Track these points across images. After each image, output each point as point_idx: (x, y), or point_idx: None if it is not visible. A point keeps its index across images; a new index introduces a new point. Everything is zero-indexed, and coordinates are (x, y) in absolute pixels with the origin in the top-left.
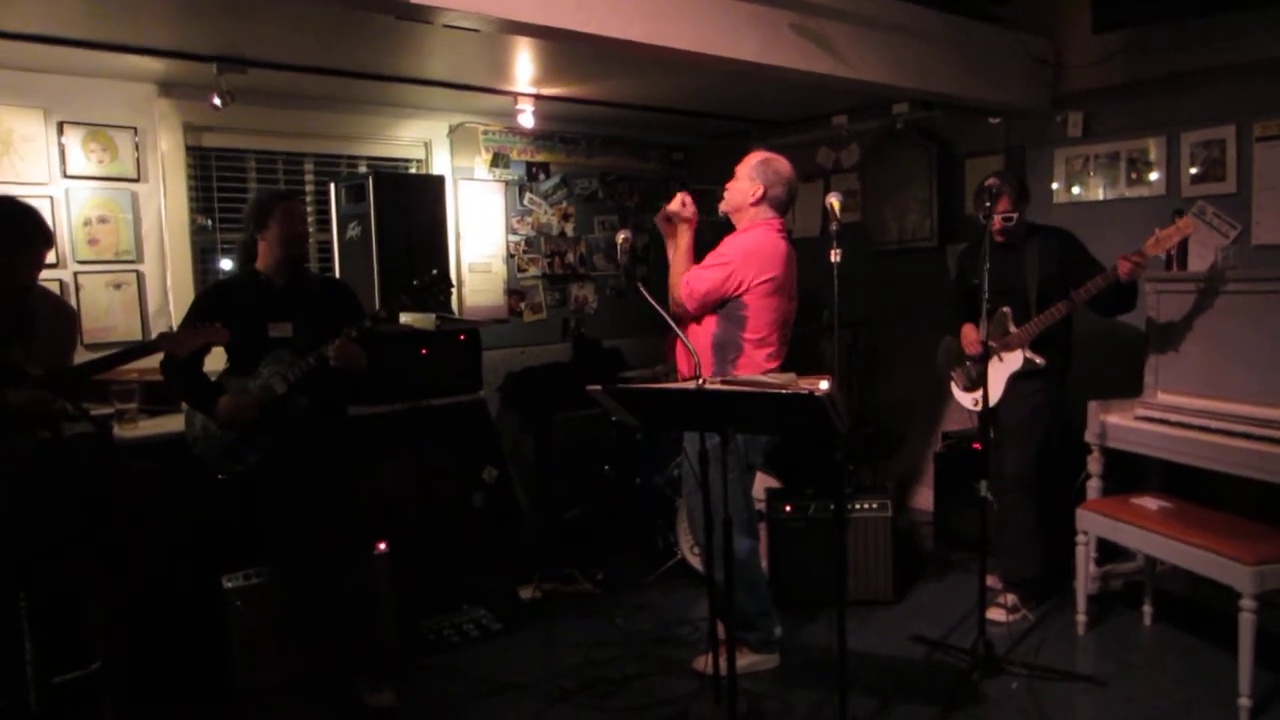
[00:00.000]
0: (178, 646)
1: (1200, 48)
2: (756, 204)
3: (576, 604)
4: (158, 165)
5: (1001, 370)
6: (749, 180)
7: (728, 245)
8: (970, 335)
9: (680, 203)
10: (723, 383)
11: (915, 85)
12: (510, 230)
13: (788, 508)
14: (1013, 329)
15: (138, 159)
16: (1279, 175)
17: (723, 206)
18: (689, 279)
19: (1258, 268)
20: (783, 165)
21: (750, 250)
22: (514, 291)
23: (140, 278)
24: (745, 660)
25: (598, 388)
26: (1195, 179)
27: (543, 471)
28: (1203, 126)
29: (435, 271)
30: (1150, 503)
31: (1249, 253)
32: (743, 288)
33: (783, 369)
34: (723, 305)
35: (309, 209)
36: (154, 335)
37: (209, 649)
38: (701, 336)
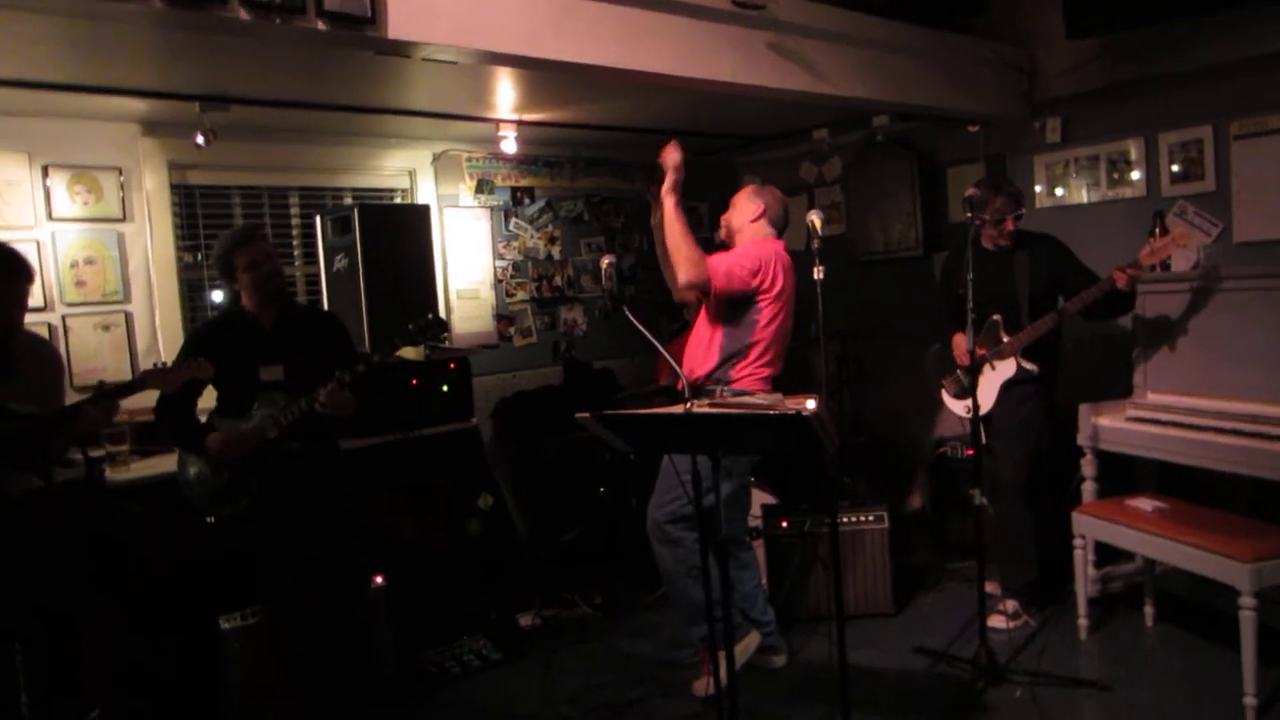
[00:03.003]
0: (176, 691)
1: (1174, 50)
2: (756, 221)
3: (576, 629)
4: (143, 205)
5: (994, 379)
6: (747, 201)
7: (750, 249)
8: (962, 345)
9: (674, 148)
10: (710, 405)
11: (894, 98)
12: (497, 256)
13: (784, 523)
14: (1005, 337)
15: (123, 199)
16: (1257, 173)
17: (722, 234)
18: (730, 273)
19: (1241, 265)
20: (775, 190)
21: (774, 256)
22: (503, 317)
23: (129, 318)
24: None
25: (586, 415)
26: (1175, 179)
27: (538, 496)
28: (1180, 127)
29: (430, 316)
30: (1145, 504)
31: (1231, 250)
32: (765, 285)
33: (773, 384)
34: (739, 304)
35: (295, 243)
36: (142, 372)
37: (208, 692)
38: (707, 342)
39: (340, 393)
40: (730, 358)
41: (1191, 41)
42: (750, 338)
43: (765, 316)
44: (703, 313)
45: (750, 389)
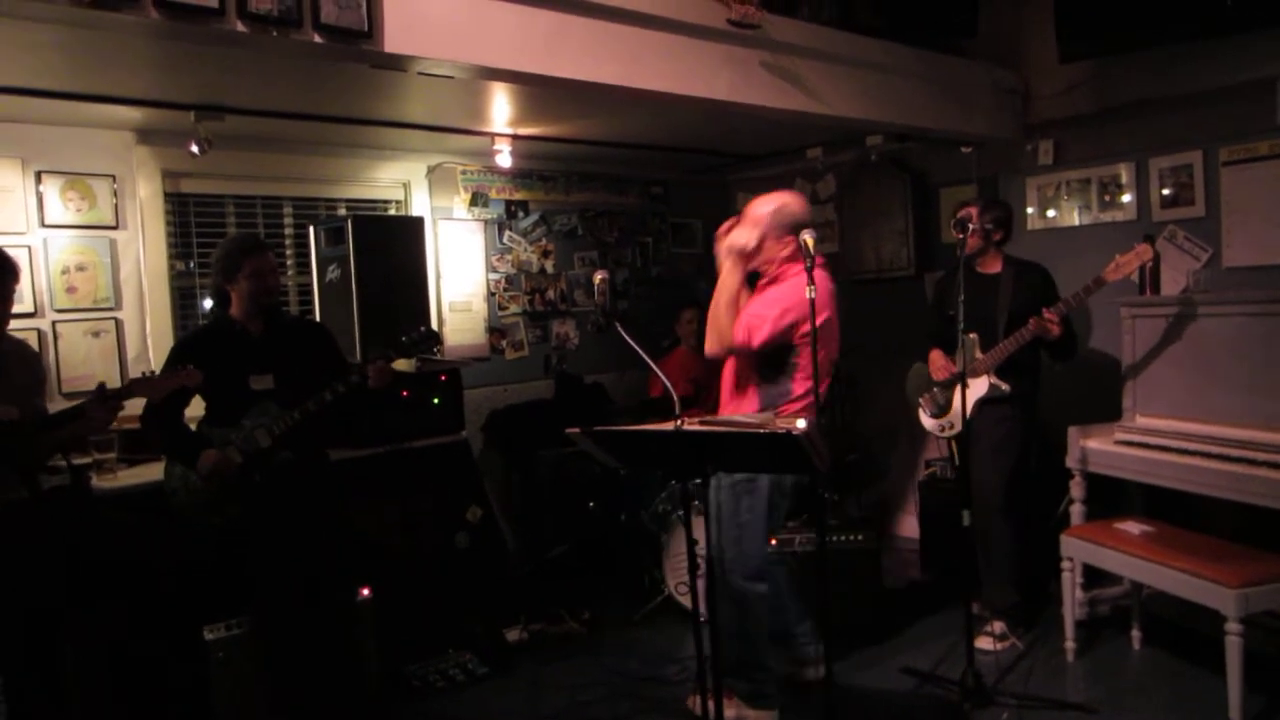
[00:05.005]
0: (158, 700)
1: (1164, 76)
2: (791, 254)
3: (563, 644)
4: (136, 212)
5: (967, 396)
6: (774, 241)
7: (785, 294)
8: (937, 361)
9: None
10: (700, 423)
11: (888, 119)
12: (490, 268)
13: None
14: (979, 355)
15: (116, 206)
16: (1246, 199)
17: (763, 282)
18: (750, 327)
19: (1230, 290)
20: (792, 204)
21: (820, 300)
22: (495, 329)
23: (119, 325)
24: (731, 712)
25: (576, 430)
26: (1166, 203)
27: (527, 510)
28: (1170, 152)
29: (423, 328)
30: (1133, 527)
31: (1220, 275)
32: (801, 335)
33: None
34: (776, 353)
35: (288, 253)
36: (130, 380)
37: (190, 702)
38: (744, 387)
39: (387, 369)
40: (774, 401)
41: (1182, 67)
42: (791, 381)
43: (804, 359)
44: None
45: None
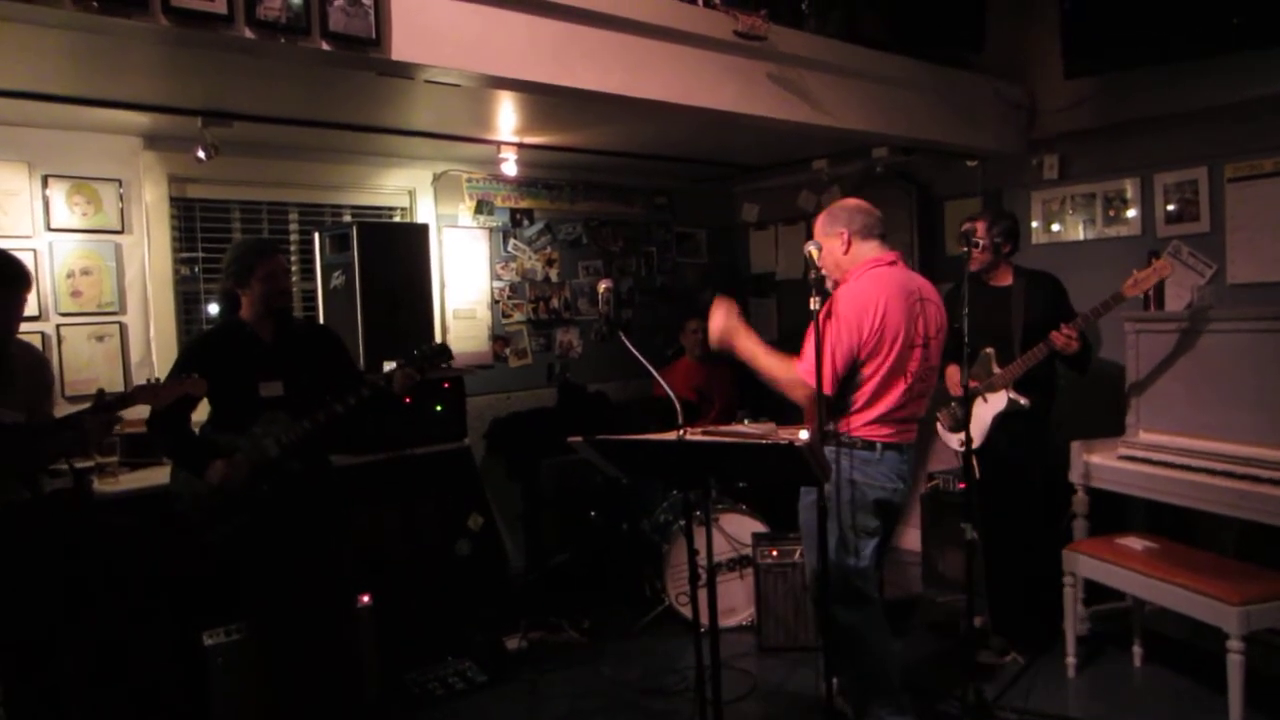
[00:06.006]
0: (157, 706)
1: (1170, 92)
2: (849, 252)
3: (563, 653)
4: (142, 217)
5: (986, 411)
6: (832, 238)
7: (840, 306)
8: (954, 376)
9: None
10: (704, 433)
11: (893, 131)
12: (495, 276)
13: (773, 552)
14: (996, 370)
15: (122, 211)
16: (1251, 215)
17: (829, 283)
18: (826, 365)
19: (1234, 306)
20: (846, 201)
21: (857, 307)
22: (499, 337)
23: (123, 329)
24: None
25: (579, 439)
26: (1170, 218)
27: (529, 518)
28: (1175, 168)
29: (436, 343)
30: (1136, 543)
31: (1224, 291)
32: (864, 350)
33: (763, 417)
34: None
35: (293, 259)
36: (134, 387)
37: (190, 708)
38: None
39: (413, 376)
40: (829, 414)
41: (1187, 84)
42: (852, 392)
43: (872, 368)
44: None
45: (865, 436)
